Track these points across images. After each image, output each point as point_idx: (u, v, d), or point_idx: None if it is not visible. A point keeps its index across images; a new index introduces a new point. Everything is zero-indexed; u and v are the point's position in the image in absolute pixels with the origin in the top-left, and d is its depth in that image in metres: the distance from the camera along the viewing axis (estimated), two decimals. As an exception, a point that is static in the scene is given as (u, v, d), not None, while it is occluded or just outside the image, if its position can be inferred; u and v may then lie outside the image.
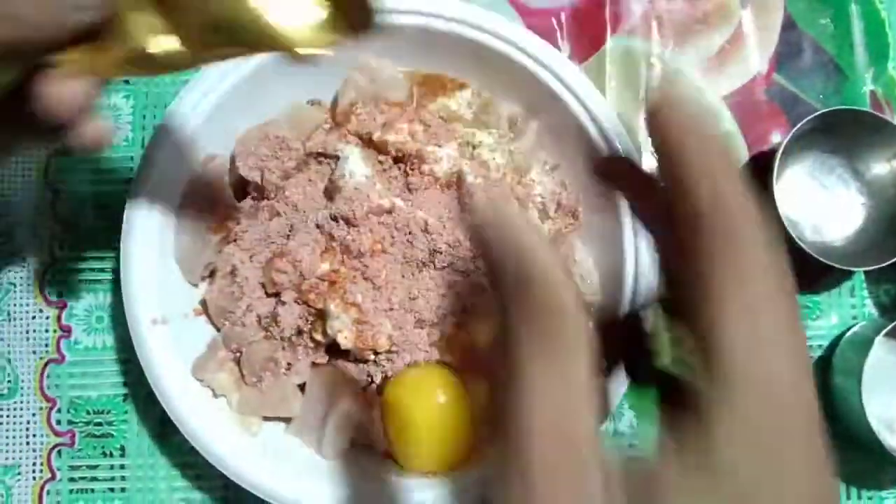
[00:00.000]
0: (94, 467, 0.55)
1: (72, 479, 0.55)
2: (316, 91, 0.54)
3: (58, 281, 0.57)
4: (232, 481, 0.49)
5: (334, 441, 0.50)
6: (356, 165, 0.49)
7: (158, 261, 0.49)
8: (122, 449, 0.55)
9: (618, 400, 0.50)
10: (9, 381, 0.56)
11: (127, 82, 0.59)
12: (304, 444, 0.51)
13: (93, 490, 0.55)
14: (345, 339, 0.48)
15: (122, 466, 0.55)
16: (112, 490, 0.55)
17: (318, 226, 0.49)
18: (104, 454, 0.55)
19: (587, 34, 0.59)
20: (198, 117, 0.50)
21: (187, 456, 0.50)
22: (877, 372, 0.55)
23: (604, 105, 0.51)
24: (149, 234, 0.49)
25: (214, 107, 0.50)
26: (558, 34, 0.59)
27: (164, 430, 0.53)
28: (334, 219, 0.48)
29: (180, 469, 0.55)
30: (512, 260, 0.23)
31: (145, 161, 0.49)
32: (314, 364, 0.50)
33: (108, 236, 0.57)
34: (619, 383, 0.48)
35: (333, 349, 0.50)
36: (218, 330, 0.52)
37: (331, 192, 0.49)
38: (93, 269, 0.57)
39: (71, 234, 0.57)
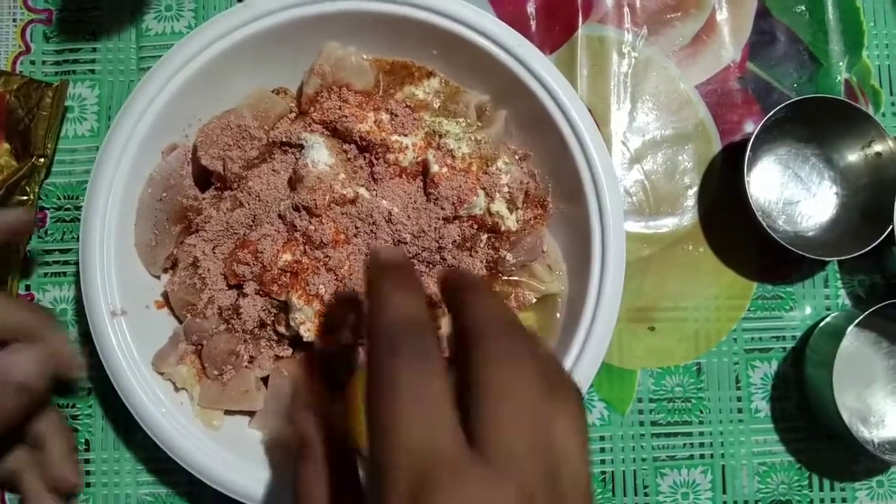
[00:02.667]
0: None
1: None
2: (281, 79, 0.53)
3: (26, 273, 0.56)
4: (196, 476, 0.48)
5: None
6: (319, 155, 0.48)
7: (118, 252, 0.49)
8: (87, 443, 0.55)
9: (587, 388, 0.49)
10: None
11: (92, 72, 0.58)
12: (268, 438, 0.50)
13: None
14: (307, 332, 0.47)
15: (86, 461, 0.54)
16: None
17: (280, 216, 0.48)
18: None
19: (559, 22, 0.58)
20: (158, 105, 0.49)
21: (152, 450, 0.49)
22: (849, 363, 0.55)
23: (573, 95, 0.50)
24: (108, 225, 0.48)
25: (175, 95, 0.49)
26: (530, 22, 0.58)
27: (128, 424, 0.52)
28: (297, 209, 0.48)
29: (145, 463, 0.54)
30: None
31: (104, 152, 0.49)
32: (277, 357, 0.50)
33: (73, 227, 0.56)
34: (590, 370, 0.48)
35: (297, 342, 0.49)
36: (180, 322, 0.51)
37: (294, 182, 0.49)
38: (58, 262, 0.56)
39: (38, 225, 0.56)
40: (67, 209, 0.57)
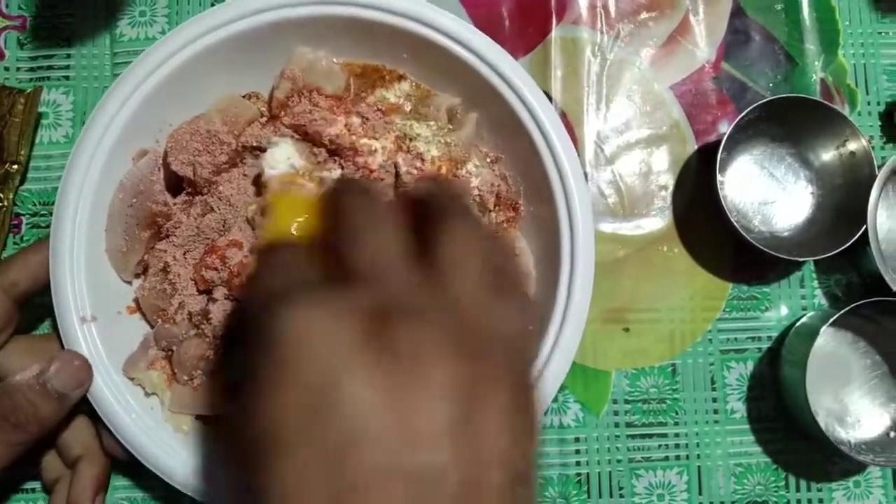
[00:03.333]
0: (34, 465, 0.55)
1: (10, 479, 0.54)
2: (252, 84, 0.53)
3: (0, 279, 0.56)
4: (169, 480, 0.48)
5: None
6: (281, 156, 0.48)
7: (89, 258, 0.49)
8: (63, 448, 0.55)
9: (557, 392, 0.49)
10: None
11: (67, 78, 0.58)
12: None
13: (34, 490, 0.54)
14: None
15: (62, 466, 0.55)
16: (52, 490, 0.55)
17: (248, 220, 0.49)
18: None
19: (532, 24, 0.58)
20: (128, 111, 0.49)
21: (125, 455, 0.50)
22: (826, 363, 0.55)
23: (542, 99, 0.50)
24: (79, 231, 0.48)
25: (145, 100, 0.49)
26: (503, 24, 0.58)
27: (101, 429, 0.52)
28: (262, 213, 0.48)
29: (119, 468, 0.54)
30: None
31: (74, 157, 0.49)
32: (248, 361, 0.50)
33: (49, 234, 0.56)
34: (559, 372, 0.48)
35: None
36: (152, 328, 0.51)
37: (259, 187, 0.49)
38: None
39: (13, 231, 0.57)
40: (43, 215, 0.57)
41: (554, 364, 0.48)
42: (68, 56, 0.58)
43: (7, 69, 0.58)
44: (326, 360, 0.24)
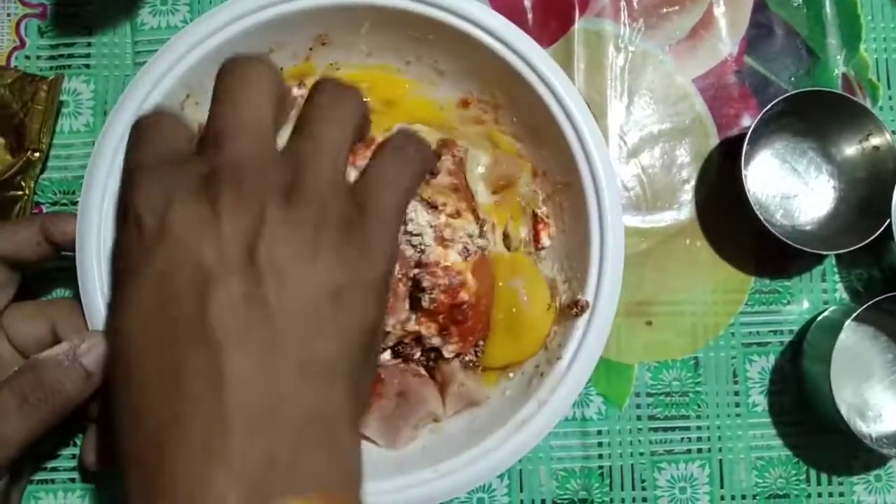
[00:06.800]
0: (56, 457, 0.54)
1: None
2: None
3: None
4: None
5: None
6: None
7: (115, 246, 0.48)
8: (84, 439, 0.54)
9: (584, 386, 0.49)
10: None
11: (87, 66, 0.58)
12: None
13: (53, 481, 0.54)
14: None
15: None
16: (73, 480, 0.54)
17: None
18: (65, 444, 0.54)
19: (555, 17, 0.58)
20: (155, 100, 0.48)
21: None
22: (847, 357, 0.55)
23: (571, 87, 0.50)
24: (106, 222, 0.48)
25: (172, 88, 0.49)
26: (526, 16, 0.58)
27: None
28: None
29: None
30: None
31: (97, 152, 0.48)
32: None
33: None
34: (587, 366, 0.48)
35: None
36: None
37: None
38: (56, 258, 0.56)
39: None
40: (64, 204, 0.56)
41: (582, 358, 0.48)
42: (89, 45, 0.58)
43: (28, 57, 0.58)
44: (161, 201, 0.31)
